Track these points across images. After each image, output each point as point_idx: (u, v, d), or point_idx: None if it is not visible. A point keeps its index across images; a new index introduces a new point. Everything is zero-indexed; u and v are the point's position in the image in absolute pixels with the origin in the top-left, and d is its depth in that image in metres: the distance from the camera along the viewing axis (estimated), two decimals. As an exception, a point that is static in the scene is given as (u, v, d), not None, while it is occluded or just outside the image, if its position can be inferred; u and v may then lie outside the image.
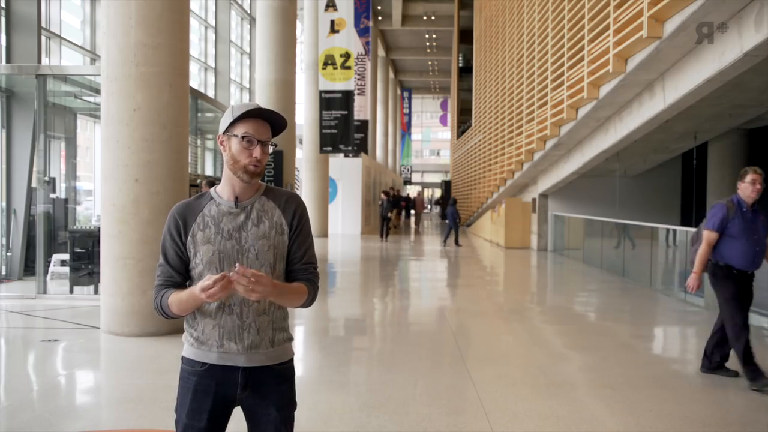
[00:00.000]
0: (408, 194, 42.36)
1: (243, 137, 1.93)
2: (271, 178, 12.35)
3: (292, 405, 2.08)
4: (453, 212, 18.50)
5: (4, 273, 9.59)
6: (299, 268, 2.04)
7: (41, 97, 8.55)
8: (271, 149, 1.99)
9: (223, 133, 1.98)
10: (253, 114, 1.95)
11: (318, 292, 2.09)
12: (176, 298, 1.94)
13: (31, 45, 9.96)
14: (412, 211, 34.82)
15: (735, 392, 4.86)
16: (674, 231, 10.19)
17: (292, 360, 2.10)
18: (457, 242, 18.45)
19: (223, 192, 2.01)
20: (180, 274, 2.01)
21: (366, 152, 22.70)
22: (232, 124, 1.96)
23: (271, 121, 1.99)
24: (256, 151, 1.94)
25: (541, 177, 16.20)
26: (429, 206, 51.15)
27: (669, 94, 8.80)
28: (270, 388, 2.02)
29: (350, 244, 18.12)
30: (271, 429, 2.02)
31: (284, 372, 2.06)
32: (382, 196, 18.88)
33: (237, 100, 20.31)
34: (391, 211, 19.18)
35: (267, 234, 1.98)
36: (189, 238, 1.98)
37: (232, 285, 1.79)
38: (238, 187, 1.99)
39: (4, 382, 5.07)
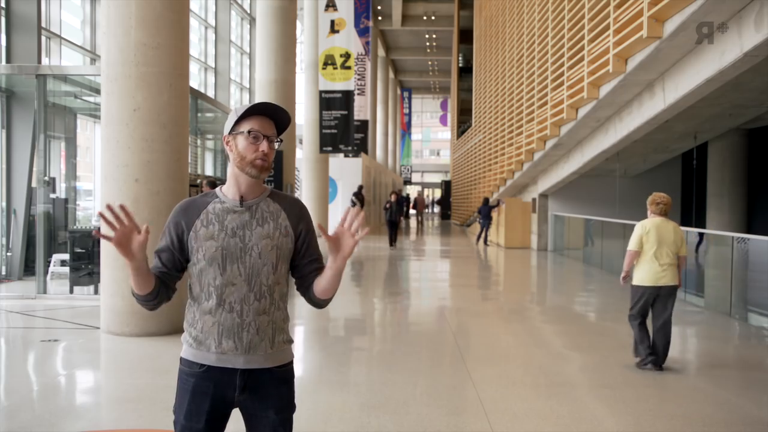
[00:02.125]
0: (408, 194, 42.35)
1: (249, 132, 1.97)
2: (271, 178, 12.32)
3: (291, 407, 2.07)
4: (488, 211, 18.39)
5: (4, 273, 9.59)
6: (318, 267, 2.10)
7: (41, 97, 8.55)
8: (277, 145, 2.03)
9: (229, 133, 2.01)
10: (257, 110, 1.99)
11: None
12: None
13: (31, 45, 9.96)
14: (413, 211, 34.81)
15: (735, 392, 4.87)
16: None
17: (291, 362, 2.09)
18: (484, 240, 18.53)
19: (229, 191, 2.03)
20: (165, 267, 2.02)
21: (366, 152, 22.68)
22: (237, 123, 1.99)
23: (275, 118, 2.02)
24: (263, 145, 1.97)
25: (541, 177, 16.20)
26: (431, 207, 51.21)
27: (669, 94, 8.80)
28: (269, 391, 2.00)
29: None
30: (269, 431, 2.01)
31: (283, 375, 2.04)
32: (392, 197, 17.53)
33: (237, 100, 20.32)
34: (399, 215, 18.12)
35: (271, 234, 2.00)
36: (191, 233, 1.99)
37: (128, 229, 1.96)
38: (244, 186, 2.01)
39: (4, 382, 5.07)
